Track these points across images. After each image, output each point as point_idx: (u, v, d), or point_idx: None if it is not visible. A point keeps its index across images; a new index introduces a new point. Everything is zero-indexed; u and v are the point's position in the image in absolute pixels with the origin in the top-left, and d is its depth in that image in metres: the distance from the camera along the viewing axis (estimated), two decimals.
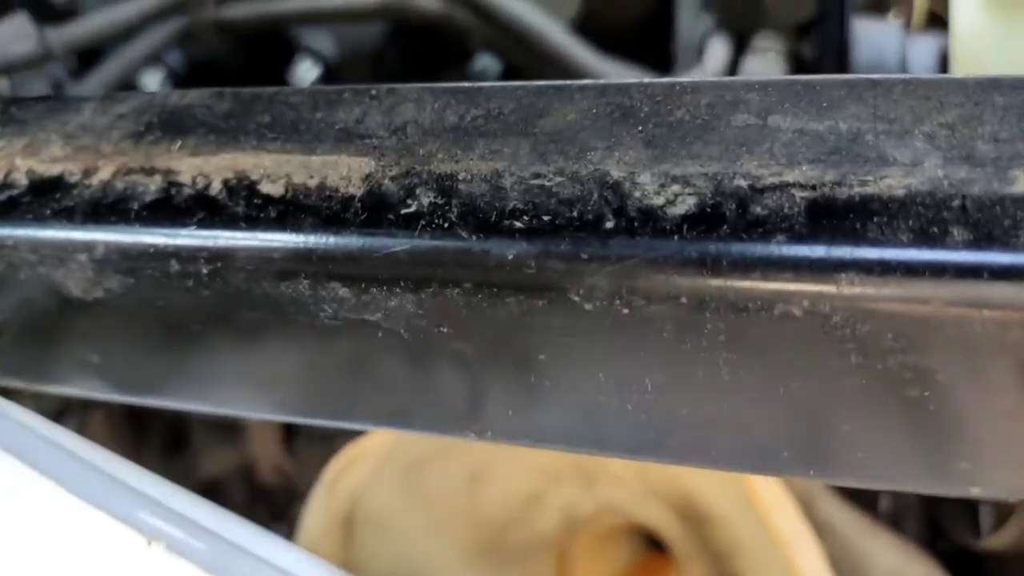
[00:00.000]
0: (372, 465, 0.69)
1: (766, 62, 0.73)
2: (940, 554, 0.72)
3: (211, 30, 0.79)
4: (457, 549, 0.76)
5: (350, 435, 0.73)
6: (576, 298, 0.25)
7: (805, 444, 0.28)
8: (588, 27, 0.79)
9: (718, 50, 0.75)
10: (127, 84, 0.85)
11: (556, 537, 0.76)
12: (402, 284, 0.27)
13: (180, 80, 0.87)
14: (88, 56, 0.86)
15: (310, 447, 0.81)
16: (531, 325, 0.26)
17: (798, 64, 0.77)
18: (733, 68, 0.75)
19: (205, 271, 0.29)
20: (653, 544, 0.78)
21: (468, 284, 0.26)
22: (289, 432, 0.82)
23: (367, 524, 0.74)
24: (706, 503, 0.67)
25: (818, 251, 0.23)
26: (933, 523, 0.81)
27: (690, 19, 0.78)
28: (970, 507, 0.85)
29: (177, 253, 0.29)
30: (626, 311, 0.25)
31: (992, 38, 0.68)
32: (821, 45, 0.77)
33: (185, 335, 0.32)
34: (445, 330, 0.27)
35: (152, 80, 0.86)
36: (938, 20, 0.87)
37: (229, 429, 0.85)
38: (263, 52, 0.86)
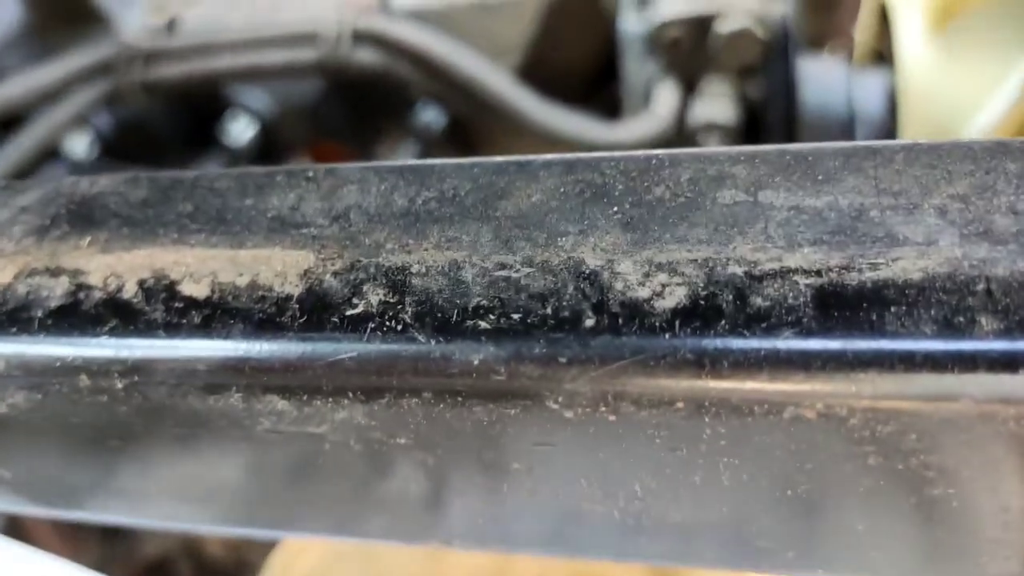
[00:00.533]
0: (325, 548, 0.65)
1: (716, 106, 0.71)
2: None
3: (140, 91, 0.75)
4: None
5: None
6: (554, 406, 0.21)
7: (813, 545, 0.25)
8: (533, 75, 0.77)
9: (666, 95, 0.73)
10: (51, 149, 0.80)
11: None
12: (351, 395, 0.23)
13: (109, 143, 0.83)
14: (9, 119, 0.81)
15: None
16: (503, 434, 0.23)
17: (746, 105, 0.76)
18: (682, 112, 0.73)
19: (120, 385, 0.25)
20: None
21: (428, 393, 0.22)
22: None
23: None
24: None
25: (832, 347, 0.20)
26: None
27: (636, 65, 0.76)
28: None
29: (87, 367, 0.25)
30: (613, 418, 0.21)
31: (940, 73, 0.67)
32: (768, 86, 0.76)
33: (103, 451, 0.28)
34: (403, 441, 0.24)
35: (79, 144, 0.81)
36: (877, 56, 0.86)
37: None
38: (196, 112, 0.82)
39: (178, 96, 0.79)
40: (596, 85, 0.84)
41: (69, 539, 0.87)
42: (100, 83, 0.76)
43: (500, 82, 0.73)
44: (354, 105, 0.80)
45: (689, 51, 0.73)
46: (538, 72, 0.79)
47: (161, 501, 0.30)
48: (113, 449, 0.28)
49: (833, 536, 0.24)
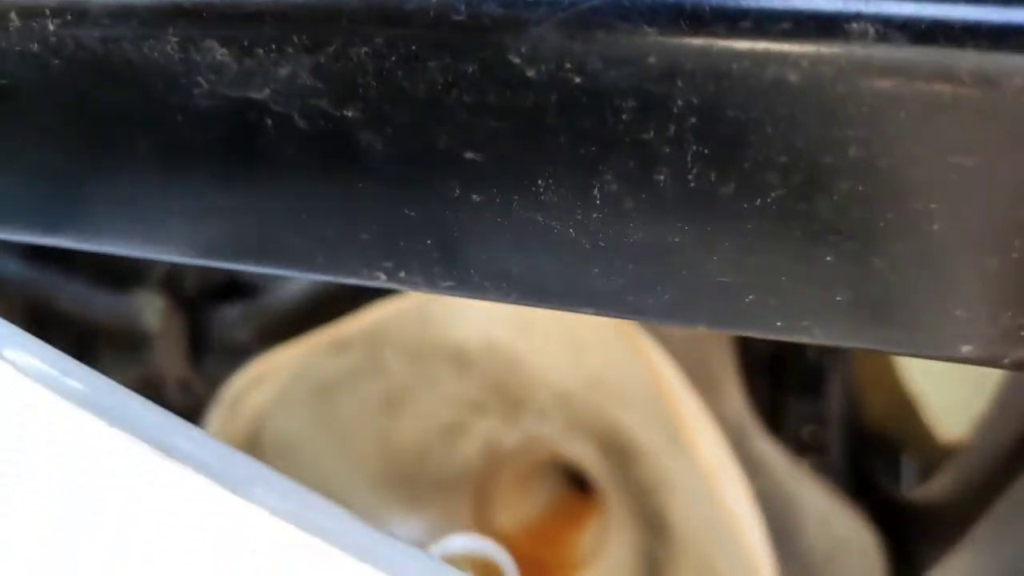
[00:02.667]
0: (279, 385, 0.63)
1: None
2: (866, 505, 0.69)
3: None
4: (369, 479, 0.70)
5: (259, 349, 0.67)
6: (516, 59, 0.19)
7: (775, 280, 0.23)
8: None
9: None
10: None
11: (476, 470, 0.70)
12: (295, 41, 0.20)
13: None
14: None
15: (218, 361, 0.74)
16: (459, 103, 0.21)
17: None
18: None
19: (52, 27, 0.22)
20: (576, 480, 0.73)
21: (379, 40, 0.20)
22: (196, 346, 0.75)
23: (274, 448, 0.68)
24: (632, 436, 0.62)
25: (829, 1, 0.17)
26: (859, 474, 0.78)
27: None
28: (894, 459, 0.82)
29: (16, 3, 0.22)
30: (578, 80, 0.19)
31: None
32: None
33: (36, 132, 0.26)
34: (350, 114, 0.22)
35: None
36: None
37: (133, 341, 0.78)
38: None
39: None
40: None
41: None
42: None
43: None
44: None
45: None
46: None
47: (95, 208, 0.28)
48: (45, 131, 0.25)
49: (796, 269, 0.22)
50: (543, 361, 0.60)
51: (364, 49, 0.20)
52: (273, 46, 0.21)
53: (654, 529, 0.65)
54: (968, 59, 0.17)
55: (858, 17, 0.17)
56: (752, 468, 0.63)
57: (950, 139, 0.18)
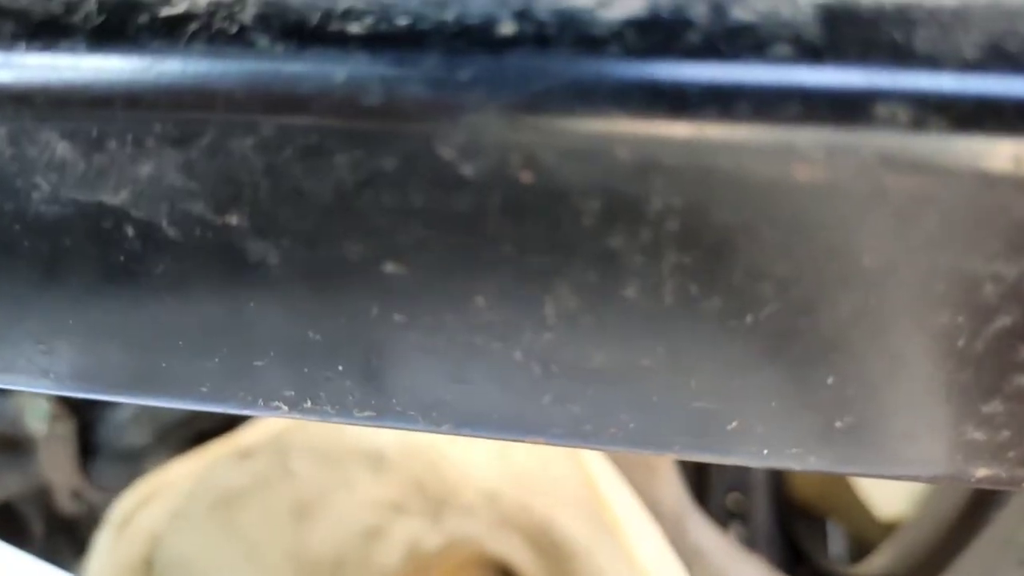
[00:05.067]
0: (174, 501, 0.55)
1: None
2: None
3: None
4: None
5: (155, 454, 0.59)
6: (447, 154, 0.15)
7: (766, 408, 0.18)
8: None
9: None
10: None
11: (399, 574, 0.64)
12: (157, 131, 0.15)
13: None
14: None
15: (112, 467, 0.66)
16: (375, 208, 0.16)
17: None
18: None
19: None
20: None
21: (268, 131, 0.15)
22: (87, 451, 0.66)
23: (168, 571, 0.60)
24: (564, 533, 0.57)
25: (848, 77, 0.13)
26: (786, 543, 0.75)
27: None
28: (820, 528, 0.79)
29: None
30: (528, 178, 0.15)
31: None
32: None
33: None
34: (234, 221, 0.16)
35: None
36: None
37: (18, 446, 0.69)
38: None
39: None
40: None
41: None
42: None
43: None
44: None
45: None
46: None
47: None
48: None
49: (790, 393, 0.18)
50: (466, 459, 0.55)
51: (248, 141, 0.15)
52: (129, 138, 0.16)
53: None
54: None
55: (886, 96, 0.13)
56: (689, 557, 0.59)
57: (990, 246, 0.14)
